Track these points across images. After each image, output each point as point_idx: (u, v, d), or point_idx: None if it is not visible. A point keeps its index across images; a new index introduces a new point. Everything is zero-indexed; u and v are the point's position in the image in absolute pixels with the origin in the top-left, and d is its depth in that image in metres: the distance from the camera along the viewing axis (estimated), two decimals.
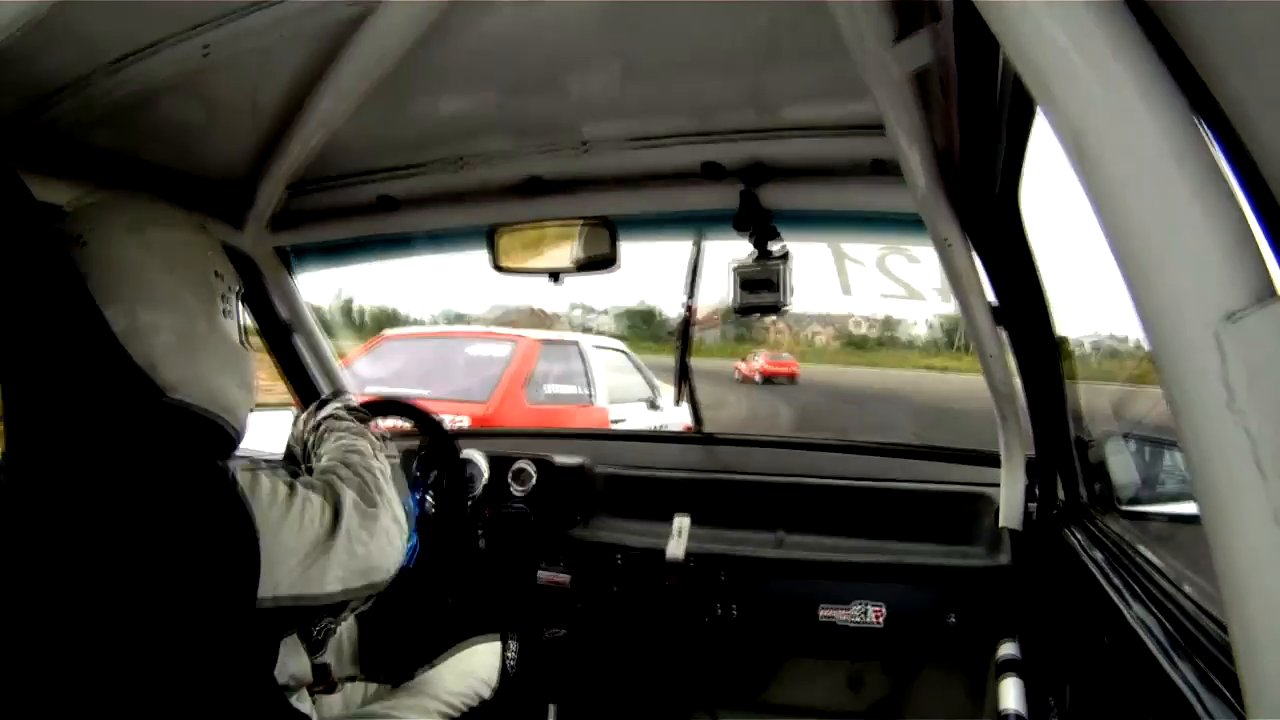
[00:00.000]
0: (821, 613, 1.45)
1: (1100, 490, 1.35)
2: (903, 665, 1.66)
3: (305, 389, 1.88)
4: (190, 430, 0.82)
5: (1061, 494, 1.42)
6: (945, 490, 1.63)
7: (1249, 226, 0.38)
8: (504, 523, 1.68)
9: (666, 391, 5.10)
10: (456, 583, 1.66)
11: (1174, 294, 0.38)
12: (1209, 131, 0.41)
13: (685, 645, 1.57)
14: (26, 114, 1.06)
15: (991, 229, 1.13)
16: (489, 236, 1.51)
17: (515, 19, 0.95)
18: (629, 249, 1.44)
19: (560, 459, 1.76)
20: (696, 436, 2.03)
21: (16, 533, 0.71)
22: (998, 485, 1.52)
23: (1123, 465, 1.37)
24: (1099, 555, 1.11)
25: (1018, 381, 1.38)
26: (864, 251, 1.47)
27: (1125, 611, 0.88)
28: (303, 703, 1.07)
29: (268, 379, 1.66)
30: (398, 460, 1.23)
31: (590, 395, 4.88)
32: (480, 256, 1.52)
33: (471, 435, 2.01)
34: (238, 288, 0.93)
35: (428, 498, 1.50)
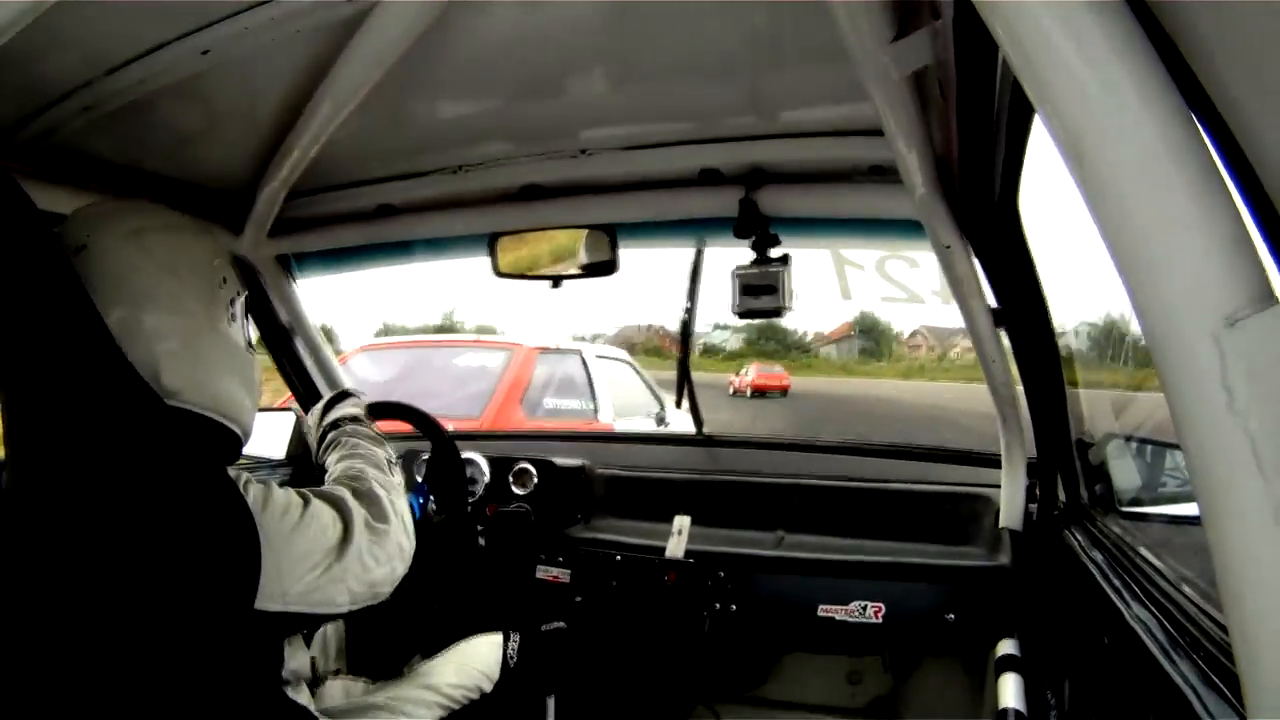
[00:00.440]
0: (821, 610, 1.46)
1: (1101, 492, 1.36)
2: (902, 661, 1.66)
3: (307, 394, 1.89)
4: (193, 434, 0.82)
5: (1062, 495, 1.42)
6: (945, 491, 1.64)
7: (1247, 230, 0.38)
8: (504, 522, 1.69)
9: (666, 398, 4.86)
10: (456, 581, 1.67)
11: (1173, 297, 0.38)
12: (1208, 134, 0.41)
13: (684, 641, 1.58)
14: (26, 119, 1.06)
15: (991, 232, 1.13)
16: (489, 243, 1.51)
17: (512, 23, 0.95)
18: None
19: (561, 460, 1.76)
20: (696, 438, 2.04)
21: (19, 535, 0.71)
22: (998, 486, 1.52)
23: (1123, 467, 1.38)
24: (1099, 556, 1.11)
25: (1018, 383, 1.39)
26: (863, 256, 1.47)
27: (1125, 611, 0.89)
28: (300, 695, 1.08)
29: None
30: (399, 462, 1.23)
31: (594, 409, 4.47)
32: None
33: (471, 438, 2.02)
34: (243, 293, 0.93)
35: (429, 499, 1.50)
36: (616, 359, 5.23)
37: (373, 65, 1.01)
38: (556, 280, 1.51)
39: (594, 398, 4.51)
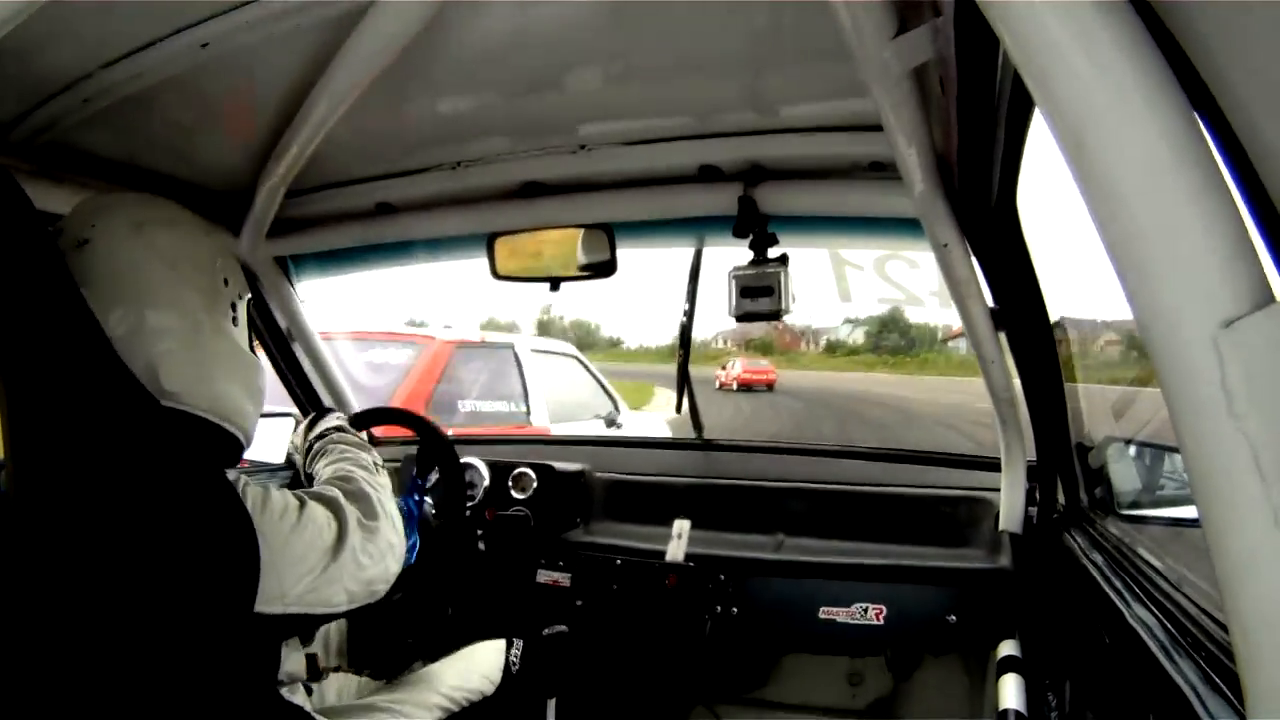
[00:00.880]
0: (822, 613, 1.46)
1: (1100, 494, 1.35)
2: (902, 662, 1.66)
3: (306, 397, 1.89)
4: (191, 436, 0.81)
5: (1062, 498, 1.42)
6: (945, 495, 1.63)
7: (1247, 232, 0.37)
8: (504, 526, 1.69)
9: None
10: (456, 585, 1.67)
11: (1173, 299, 0.38)
12: (1210, 134, 0.41)
13: (685, 644, 1.58)
14: (23, 115, 1.05)
15: (990, 232, 1.13)
16: (488, 244, 1.50)
17: (511, 18, 0.95)
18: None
19: (560, 465, 1.77)
20: (696, 443, 2.04)
21: (19, 537, 0.71)
22: (997, 490, 1.52)
23: (1123, 470, 1.37)
24: (1099, 558, 1.11)
25: (1018, 385, 1.38)
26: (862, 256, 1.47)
27: (1125, 612, 0.88)
28: (295, 695, 1.08)
29: None
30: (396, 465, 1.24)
31: (526, 411, 3.85)
32: None
33: (471, 443, 2.01)
34: (246, 295, 0.93)
35: (427, 502, 1.50)
36: (559, 353, 4.60)
37: (371, 60, 1.00)
38: (555, 282, 1.51)
39: (527, 399, 3.90)
